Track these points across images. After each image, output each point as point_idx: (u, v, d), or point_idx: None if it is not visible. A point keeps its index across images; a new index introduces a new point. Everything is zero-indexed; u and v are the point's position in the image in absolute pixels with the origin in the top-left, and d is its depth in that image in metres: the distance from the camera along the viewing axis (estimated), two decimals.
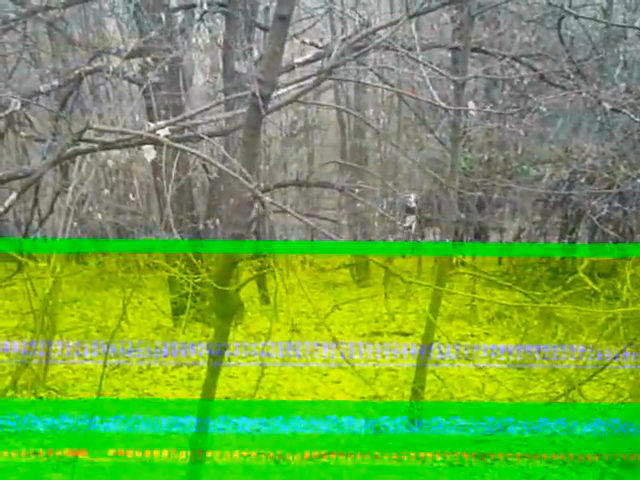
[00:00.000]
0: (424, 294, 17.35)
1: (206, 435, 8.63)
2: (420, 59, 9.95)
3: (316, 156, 25.64)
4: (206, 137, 6.68)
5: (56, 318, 14.68)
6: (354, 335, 17.34)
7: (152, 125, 6.89)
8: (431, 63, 14.30)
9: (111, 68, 14.81)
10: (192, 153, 6.43)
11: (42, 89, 14.63)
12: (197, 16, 17.20)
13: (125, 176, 18.53)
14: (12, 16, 13.50)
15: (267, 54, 6.39)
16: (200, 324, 17.37)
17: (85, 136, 6.51)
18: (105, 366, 11.30)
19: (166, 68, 15.20)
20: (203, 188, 20.35)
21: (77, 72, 14.86)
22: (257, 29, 17.40)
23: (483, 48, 14.69)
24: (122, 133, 6.45)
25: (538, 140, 17.85)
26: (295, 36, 16.26)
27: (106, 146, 6.55)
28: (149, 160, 6.71)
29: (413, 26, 10.26)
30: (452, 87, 13.41)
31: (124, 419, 12.10)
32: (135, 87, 17.70)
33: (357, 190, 12.83)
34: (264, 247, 18.06)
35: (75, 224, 15.27)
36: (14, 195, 6.74)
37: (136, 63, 16.28)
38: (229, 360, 15.16)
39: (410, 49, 10.35)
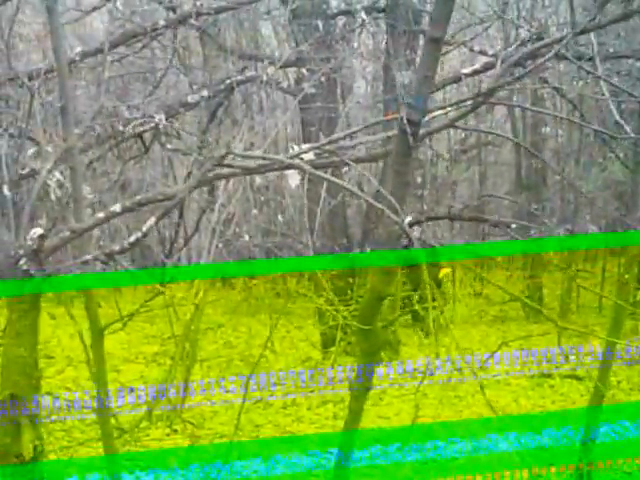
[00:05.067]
0: (603, 333, 16.99)
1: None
2: (599, 71, 9.83)
3: (489, 176, 25.42)
4: (352, 163, 6.90)
5: (197, 345, 15.16)
6: (522, 376, 17.14)
7: (296, 149, 7.16)
8: (618, 73, 14.12)
9: (265, 77, 15.20)
10: (333, 182, 6.67)
11: (190, 100, 15.22)
12: (359, 21, 17.49)
13: (275, 195, 18.86)
14: (162, 23, 14.03)
15: (418, 78, 6.52)
16: (351, 358, 17.48)
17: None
18: (244, 400, 11.58)
19: (323, 79, 15.50)
20: (359, 211, 20.47)
21: (228, 82, 15.34)
22: (422, 36, 17.43)
23: None
24: (263, 158, 6.75)
25: None
26: (463, 44, 16.35)
27: (247, 172, 6.88)
28: (293, 186, 6.99)
29: (592, 34, 10.16)
30: None
31: (262, 459, 12.37)
32: (290, 98, 18.12)
33: (514, 225, 12.71)
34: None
35: (221, 245, 15.74)
36: (153, 219, 7.14)
37: (291, 72, 16.73)
38: (381, 399, 15.33)
39: (591, 59, 10.32)
